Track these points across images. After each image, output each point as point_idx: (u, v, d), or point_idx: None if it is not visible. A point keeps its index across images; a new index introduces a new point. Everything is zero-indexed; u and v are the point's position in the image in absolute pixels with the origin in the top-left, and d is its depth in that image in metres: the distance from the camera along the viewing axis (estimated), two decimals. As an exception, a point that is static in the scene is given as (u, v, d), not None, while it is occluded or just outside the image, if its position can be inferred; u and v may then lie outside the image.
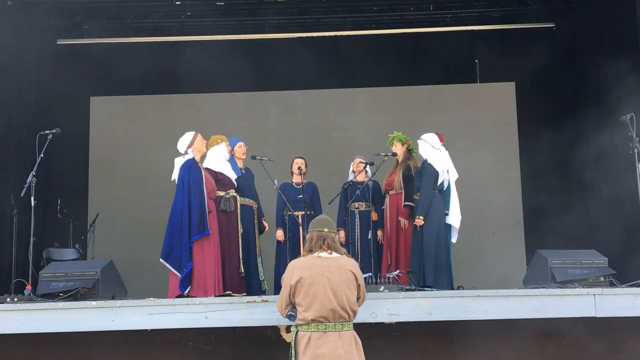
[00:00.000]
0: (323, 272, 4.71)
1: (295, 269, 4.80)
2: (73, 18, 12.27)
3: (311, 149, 11.27)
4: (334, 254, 4.83)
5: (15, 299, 6.46)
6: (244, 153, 8.19)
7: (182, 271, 6.91)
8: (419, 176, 7.76)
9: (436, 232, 7.59)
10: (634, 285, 6.52)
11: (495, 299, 6.17)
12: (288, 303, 4.82)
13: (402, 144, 8.25)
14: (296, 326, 4.77)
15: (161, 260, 7.07)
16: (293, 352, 4.76)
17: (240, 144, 8.20)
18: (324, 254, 4.81)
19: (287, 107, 12.69)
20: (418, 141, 7.99)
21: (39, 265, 8.82)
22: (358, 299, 4.85)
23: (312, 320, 4.67)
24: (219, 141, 7.85)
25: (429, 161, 7.73)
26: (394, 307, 6.11)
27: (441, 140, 8.05)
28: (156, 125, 12.33)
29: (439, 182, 7.68)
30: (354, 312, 4.79)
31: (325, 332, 4.66)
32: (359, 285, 4.82)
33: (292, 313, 4.82)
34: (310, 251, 4.86)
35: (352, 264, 4.86)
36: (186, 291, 6.91)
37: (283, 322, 5.74)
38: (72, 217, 10.74)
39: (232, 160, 8.01)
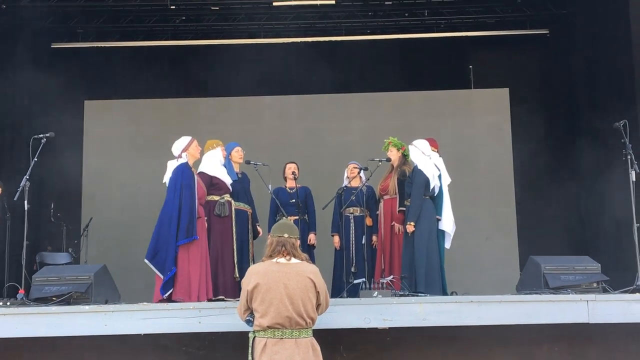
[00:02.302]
0: (280, 278, 4.68)
1: (252, 275, 4.77)
2: (67, 22, 12.28)
3: (305, 153, 11.28)
4: (294, 260, 4.79)
5: (8, 303, 6.43)
6: (241, 157, 8.19)
7: (165, 275, 6.90)
8: (409, 182, 7.77)
9: (427, 238, 7.59)
10: (626, 292, 6.53)
11: (489, 304, 6.16)
12: (246, 308, 4.80)
13: (398, 150, 8.25)
14: (253, 332, 4.76)
15: (146, 261, 7.05)
16: (250, 358, 4.74)
17: (238, 148, 8.20)
18: (283, 260, 4.78)
19: (281, 112, 12.71)
20: (409, 146, 8.00)
21: (31, 269, 8.80)
22: (319, 305, 4.81)
23: (268, 326, 4.65)
24: (215, 145, 7.85)
25: (419, 167, 7.74)
26: (388, 312, 6.09)
27: (435, 146, 8.06)
28: (150, 129, 12.32)
29: (430, 188, 7.68)
30: (312, 320, 4.75)
31: (281, 338, 4.64)
32: (319, 292, 4.76)
33: (251, 318, 4.80)
34: (270, 256, 4.83)
35: (312, 270, 4.80)
36: (166, 294, 6.89)
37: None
38: (65, 221, 10.72)
39: (229, 164, 8.00)
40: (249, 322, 4.81)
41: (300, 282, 4.69)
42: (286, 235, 4.86)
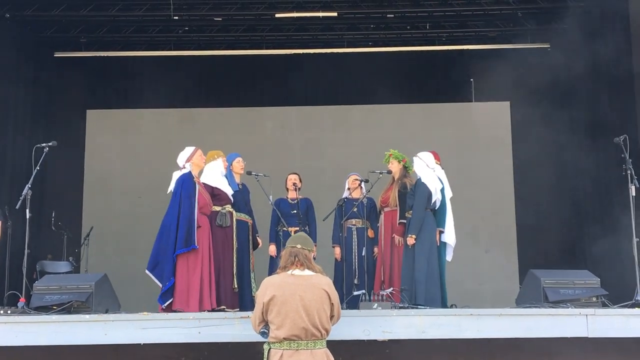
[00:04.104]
0: (296, 290, 4.70)
1: (268, 287, 4.79)
2: (71, 31, 12.32)
3: (306, 165, 11.30)
4: (308, 272, 4.81)
5: (9, 312, 6.44)
6: (242, 168, 8.21)
7: (164, 285, 6.91)
8: (411, 194, 7.79)
9: (428, 251, 7.60)
10: (625, 306, 6.54)
11: (488, 318, 6.18)
12: (261, 320, 4.82)
13: (399, 162, 8.26)
14: (269, 343, 4.77)
15: (147, 272, 7.07)
16: None
17: (239, 159, 8.22)
18: (298, 272, 4.80)
19: (282, 123, 12.74)
20: (414, 158, 8.02)
21: (32, 277, 8.81)
22: (332, 317, 4.84)
23: (284, 338, 4.67)
24: (216, 157, 7.87)
25: (422, 180, 7.75)
26: (388, 324, 6.11)
27: (437, 159, 8.07)
28: (151, 139, 12.36)
29: (432, 201, 7.70)
30: (327, 331, 4.78)
31: (297, 350, 4.66)
32: (333, 303, 4.80)
33: (265, 330, 4.82)
34: (285, 268, 4.86)
35: (326, 282, 4.84)
36: (165, 304, 6.90)
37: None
38: (66, 230, 10.72)
39: (230, 175, 8.02)
40: (264, 334, 4.82)
41: (315, 294, 4.72)
42: (299, 246, 4.88)
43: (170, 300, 6.95)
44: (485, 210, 12.09)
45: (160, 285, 6.98)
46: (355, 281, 8.22)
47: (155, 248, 7.13)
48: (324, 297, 4.76)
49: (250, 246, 8.14)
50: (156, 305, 7.18)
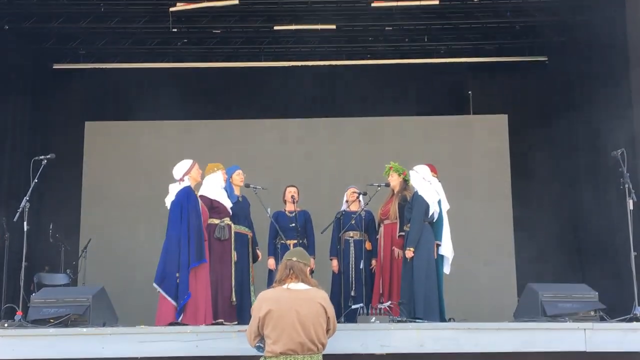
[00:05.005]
0: (292, 305, 4.71)
1: (264, 301, 4.79)
2: (69, 43, 12.34)
3: (305, 177, 11.29)
4: (303, 285, 4.82)
5: (6, 325, 6.43)
6: (242, 181, 8.23)
7: (179, 301, 6.85)
8: (409, 208, 7.80)
9: (426, 264, 7.60)
10: (623, 320, 6.54)
11: (486, 331, 6.18)
12: (257, 335, 4.82)
13: (399, 175, 8.28)
14: (265, 358, 4.77)
15: (154, 285, 6.99)
16: None
17: (239, 171, 8.24)
18: (293, 286, 4.80)
19: (281, 135, 12.74)
20: (410, 171, 8.04)
21: (29, 290, 8.78)
22: (328, 330, 4.84)
23: (280, 353, 4.67)
24: (216, 169, 7.88)
25: (419, 193, 7.77)
26: (385, 338, 6.11)
27: (434, 172, 8.09)
28: (150, 151, 12.35)
29: (429, 213, 7.71)
30: (323, 345, 4.79)
31: None
32: (329, 317, 4.81)
33: (261, 344, 4.83)
34: (280, 281, 4.86)
35: (322, 296, 4.84)
36: (180, 319, 6.88)
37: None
38: (64, 242, 10.70)
39: (229, 187, 8.04)
40: (259, 349, 4.83)
41: (311, 308, 4.73)
42: (294, 259, 4.90)
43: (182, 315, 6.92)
44: (484, 222, 12.09)
45: (173, 301, 6.89)
46: (352, 293, 8.22)
47: (162, 261, 7.04)
48: (320, 311, 4.76)
49: (250, 259, 8.14)
50: (154, 318, 7.16)
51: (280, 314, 4.68)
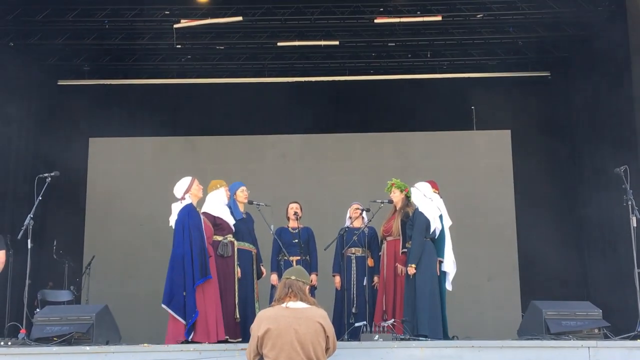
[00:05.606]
0: (291, 323, 4.70)
1: (263, 320, 4.78)
2: (74, 59, 12.41)
3: (308, 193, 11.30)
4: (301, 304, 4.81)
5: (9, 343, 6.44)
6: (245, 197, 8.22)
7: (188, 320, 6.83)
8: (410, 225, 7.80)
9: (429, 281, 7.58)
10: (627, 338, 6.52)
11: (490, 349, 6.17)
12: (256, 354, 4.81)
13: (401, 191, 8.28)
14: None
15: (163, 306, 6.94)
16: None
17: (243, 188, 8.25)
18: (292, 304, 4.80)
19: (284, 151, 12.75)
20: (411, 189, 8.04)
21: (32, 306, 8.78)
22: (327, 349, 4.83)
23: None
24: (219, 186, 7.87)
25: (420, 209, 7.77)
26: (389, 356, 6.10)
27: (436, 188, 8.10)
28: (154, 167, 12.38)
29: (431, 230, 7.71)
30: None
31: None
32: (328, 336, 4.79)
33: None
34: (279, 300, 4.85)
35: (321, 315, 4.83)
36: (190, 337, 6.86)
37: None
38: (68, 259, 10.70)
39: (234, 204, 8.03)
40: None
41: (310, 327, 4.71)
42: (293, 277, 4.89)
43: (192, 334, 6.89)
44: (487, 238, 12.08)
45: (182, 320, 6.86)
46: (354, 310, 8.20)
47: (169, 281, 7.01)
48: (319, 330, 4.75)
49: (255, 275, 8.12)
50: (157, 335, 7.15)
51: (279, 333, 4.67)
